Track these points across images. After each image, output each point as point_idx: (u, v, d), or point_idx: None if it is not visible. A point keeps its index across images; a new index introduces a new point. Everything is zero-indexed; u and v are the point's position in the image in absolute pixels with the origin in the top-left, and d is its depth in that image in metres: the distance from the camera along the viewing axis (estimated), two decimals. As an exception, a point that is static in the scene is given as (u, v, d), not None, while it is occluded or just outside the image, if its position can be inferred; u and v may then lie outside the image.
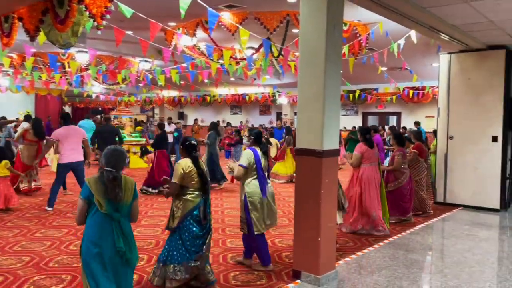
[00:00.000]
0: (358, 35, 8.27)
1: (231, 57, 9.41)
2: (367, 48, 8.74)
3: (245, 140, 12.72)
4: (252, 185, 4.28)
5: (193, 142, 3.86)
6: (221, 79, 13.27)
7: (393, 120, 20.07)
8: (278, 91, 18.69)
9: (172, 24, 8.47)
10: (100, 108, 25.28)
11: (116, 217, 2.90)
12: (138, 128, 16.08)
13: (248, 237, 4.36)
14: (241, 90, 19.76)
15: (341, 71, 4.39)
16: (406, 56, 9.63)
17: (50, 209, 7.06)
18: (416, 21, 6.09)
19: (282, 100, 19.22)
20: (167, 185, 3.81)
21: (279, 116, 22.46)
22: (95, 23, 3.70)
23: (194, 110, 26.47)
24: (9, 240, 5.30)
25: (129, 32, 6.81)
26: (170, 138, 13.82)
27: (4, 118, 11.17)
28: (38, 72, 11.39)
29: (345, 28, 7.85)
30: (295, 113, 20.65)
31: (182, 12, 4.08)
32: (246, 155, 4.33)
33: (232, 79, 15.17)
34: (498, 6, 5.45)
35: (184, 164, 3.74)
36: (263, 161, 4.35)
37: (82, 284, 3.95)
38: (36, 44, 6.53)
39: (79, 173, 7.24)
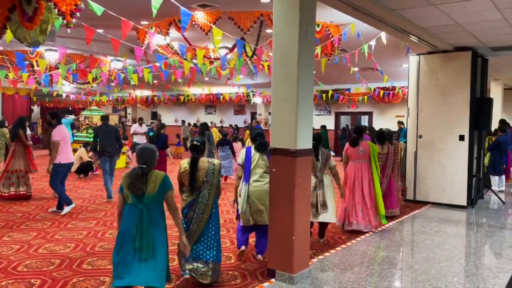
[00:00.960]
0: (330, 36, 8.39)
1: (205, 56, 9.37)
2: (339, 49, 8.88)
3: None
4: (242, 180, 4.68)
5: (194, 143, 4.01)
6: (195, 79, 13.18)
7: (365, 120, 20.44)
8: (252, 91, 18.72)
9: (145, 23, 8.36)
10: (70, 108, 24.67)
11: (139, 207, 3.14)
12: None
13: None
14: (215, 89, 19.69)
15: (314, 72, 4.45)
16: (377, 57, 9.84)
17: (68, 208, 6.85)
18: (386, 22, 6.23)
19: (257, 100, 19.27)
20: None
21: (253, 115, 22.48)
22: (65, 21, 3.61)
23: (168, 110, 26.18)
24: (-26, 245, 5.11)
25: (100, 31, 6.68)
26: (143, 139, 13.64)
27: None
28: (5, 70, 11.01)
29: (317, 29, 7.95)
30: (270, 113, 20.73)
31: (154, 11, 4.04)
32: (241, 154, 4.76)
33: (206, 78, 15.08)
34: (463, 9, 5.64)
35: (182, 163, 4.01)
36: (256, 159, 4.60)
37: (59, 280, 3.87)
38: (2, 41, 6.32)
39: (67, 173, 7.22)
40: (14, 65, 10.59)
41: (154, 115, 26.39)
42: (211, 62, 10.22)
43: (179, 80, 11.70)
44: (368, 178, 6.12)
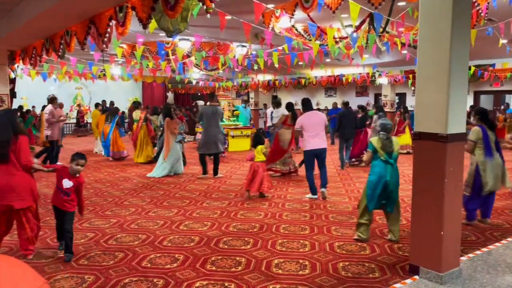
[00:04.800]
0: (476, 4, 7.34)
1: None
2: (485, 18, 7.73)
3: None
4: (480, 155, 5.33)
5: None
6: (319, 61, 12.90)
7: (510, 99, 17.88)
8: (378, 71, 17.68)
9: (271, 6, 8.33)
10: (199, 94, 26.40)
11: (390, 162, 4.67)
12: (236, 112, 16.42)
13: (470, 198, 5.42)
14: (338, 71, 19.07)
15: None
16: (535, 25, 8.33)
17: (314, 196, 6.89)
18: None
19: (382, 80, 18.14)
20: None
21: (377, 97, 21.34)
22: (204, 7, 3.67)
23: (288, 93, 26.33)
24: (127, 219, 5.70)
25: (228, 17, 6.82)
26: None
27: (115, 107, 12.07)
28: (146, 60, 12.10)
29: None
30: (396, 94, 19.43)
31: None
32: (476, 132, 5.38)
33: (328, 60, 14.64)
34: None
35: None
36: (490, 136, 5.36)
37: (199, 257, 4.04)
38: (145, 33, 6.85)
39: (322, 160, 6.98)
40: (153, 55, 11.55)
41: (275, 99, 26.81)
42: (336, 42, 9.82)
43: (300, 63, 11.54)
44: None
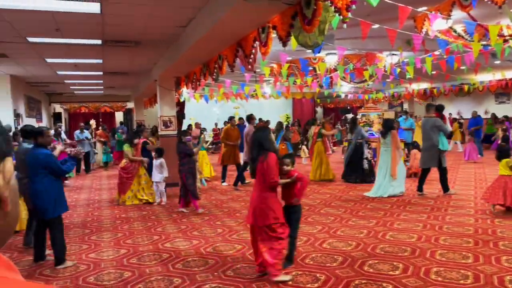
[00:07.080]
0: None
1: (498, 34, 7.84)
2: None
3: None
4: None
5: None
6: (484, 63, 11.36)
7: None
8: None
9: (423, 9, 7.68)
10: (348, 107, 25.98)
11: None
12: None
13: None
14: (510, 74, 16.52)
15: None
16: None
17: None
18: None
19: None
20: None
21: None
22: (341, 17, 3.53)
23: (449, 102, 23.89)
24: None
25: (375, 26, 6.49)
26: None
27: (264, 121, 12.60)
28: (293, 77, 12.43)
29: None
30: None
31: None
32: None
33: (497, 62, 12.80)
34: None
35: None
36: None
37: (342, 279, 3.86)
38: (289, 51, 7.00)
39: None
40: (300, 71, 11.79)
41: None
42: (505, 41, 8.49)
43: (462, 67, 10.30)
44: None
